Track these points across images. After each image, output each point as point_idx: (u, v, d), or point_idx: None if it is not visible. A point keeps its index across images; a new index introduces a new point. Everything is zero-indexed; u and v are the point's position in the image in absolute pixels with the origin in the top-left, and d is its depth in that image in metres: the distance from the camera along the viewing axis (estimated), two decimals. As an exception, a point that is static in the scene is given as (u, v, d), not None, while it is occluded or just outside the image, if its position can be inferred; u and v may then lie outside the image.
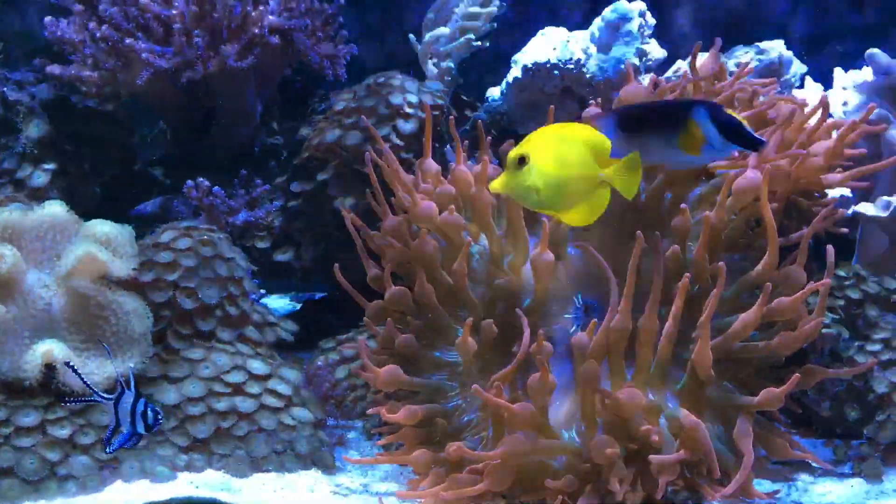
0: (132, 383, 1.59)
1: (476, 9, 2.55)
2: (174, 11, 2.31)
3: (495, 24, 2.59)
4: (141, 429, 1.58)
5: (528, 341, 1.72)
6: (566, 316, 1.94)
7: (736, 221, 1.84)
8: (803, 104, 1.95)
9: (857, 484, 1.81)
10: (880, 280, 2.00)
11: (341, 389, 2.13)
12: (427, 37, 2.52)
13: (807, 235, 1.75)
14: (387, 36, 2.75)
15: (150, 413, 1.57)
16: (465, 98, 2.62)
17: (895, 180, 2.09)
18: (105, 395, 1.60)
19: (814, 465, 1.84)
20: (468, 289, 1.87)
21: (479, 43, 2.60)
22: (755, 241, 1.88)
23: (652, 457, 1.59)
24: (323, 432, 1.97)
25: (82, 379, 1.61)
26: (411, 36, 2.57)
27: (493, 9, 2.57)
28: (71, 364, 1.64)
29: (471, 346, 1.77)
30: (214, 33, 2.32)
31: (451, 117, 2.04)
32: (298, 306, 2.87)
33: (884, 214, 2.05)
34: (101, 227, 1.92)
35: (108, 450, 1.60)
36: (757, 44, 2.32)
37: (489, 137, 2.05)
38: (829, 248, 1.70)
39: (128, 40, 2.30)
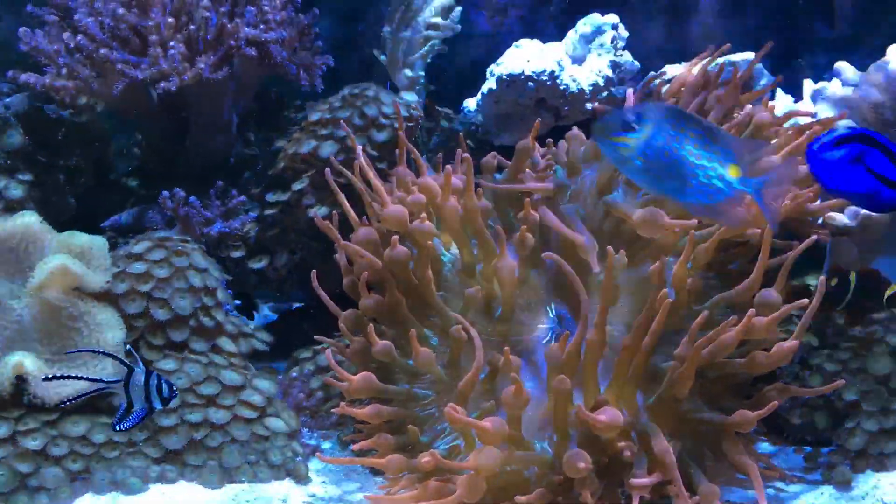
0: (139, 361, 1.60)
1: (438, 20, 2.56)
2: (150, 22, 2.31)
3: (459, 27, 2.61)
4: (158, 404, 1.59)
5: (481, 353, 1.72)
6: (540, 325, 1.96)
7: (712, 243, 1.85)
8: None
9: (826, 491, 1.83)
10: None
11: (316, 399, 2.13)
12: (390, 47, 2.53)
13: (788, 262, 1.77)
14: (364, 47, 2.76)
15: (164, 386, 1.58)
16: (439, 109, 2.63)
17: (863, 191, 2.11)
18: (111, 380, 1.61)
19: (786, 472, 1.86)
20: (437, 296, 1.88)
21: (445, 48, 2.61)
22: (729, 261, 1.90)
23: (631, 481, 1.61)
24: (297, 442, 1.97)
25: (83, 377, 1.61)
26: (375, 51, 2.58)
27: (453, 24, 2.59)
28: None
29: (425, 357, 1.78)
30: (190, 45, 2.33)
31: (401, 133, 2.05)
32: (275, 316, 2.87)
33: (852, 224, 2.07)
34: (75, 238, 1.93)
35: (119, 426, 1.60)
36: (728, 56, 2.34)
37: (465, 150, 2.06)
38: (821, 279, 1.72)
39: (103, 50, 2.30)
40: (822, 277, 1.73)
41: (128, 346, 1.66)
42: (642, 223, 1.82)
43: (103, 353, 1.68)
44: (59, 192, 2.48)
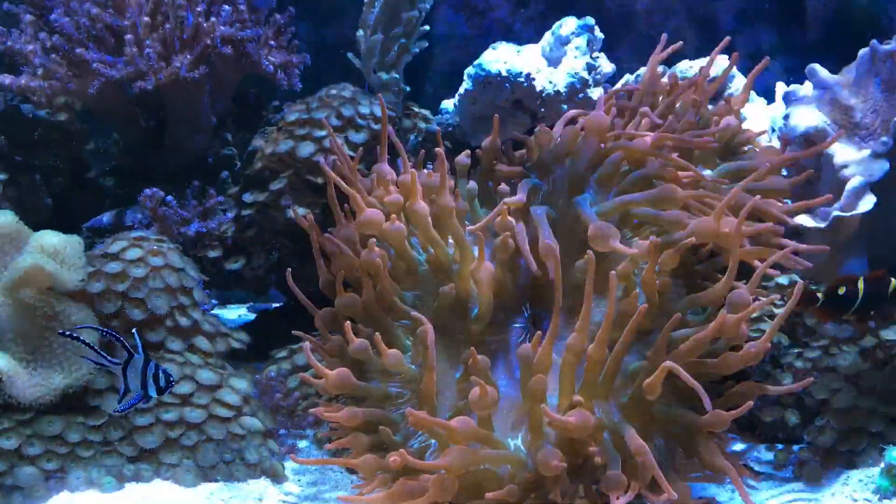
0: (140, 347, 1.60)
1: (405, 15, 2.56)
2: (126, 22, 2.31)
3: (427, 27, 2.61)
4: (153, 392, 1.60)
5: (433, 344, 1.72)
6: (514, 325, 1.97)
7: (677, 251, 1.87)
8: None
9: (797, 487, 1.86)
10: (818, 289, 2.05)
11: (293, 399, 2.13)
12: (363, 49, 2.53)
13: (762, 269, 1.79)
14: (342, 48, 2.77)
15: (161, 375, 1.60)
16: (416, 110, 2.64)
17: (834, 192, 2.14)
18: (113, 360, 1.62)
19: (756, 468, 1.89)
20: (399, 303, 1.89)
21: (416, 49, 2.61)
22: (696, 261, 1.92)
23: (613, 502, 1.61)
24: (273, 441, 1.97)
25: (90, 345, 1.63)
26: (350, 54, 2.58)
27: (414, 13, 2.57)
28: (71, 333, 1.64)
29: (394, 358, 1.78)
30: (167, 44, 2.33)
31: (390, 128, 2.05)
32: (253, 316, 2.88)
33: (823, 225, 2.10)
34: (50, 238, 1.92)
35: (114, 411, 1.64)
36: (701, 59, 2.37)
37: (441, 148, 2.07)
38: (799, 284, 1.74)
39: (78, 50, 2.29)
40: (800, 282, 1.75)
41: (133, 330, 1.67)
42: (593, 238, 1.83)
43: (108, 334, 1.68)
44: (36, 191, 2.48)
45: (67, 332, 1.64)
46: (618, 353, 1.72)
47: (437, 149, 1.93)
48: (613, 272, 1.71)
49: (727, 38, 2.14)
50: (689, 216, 1.85)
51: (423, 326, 1.76)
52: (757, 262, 1.82)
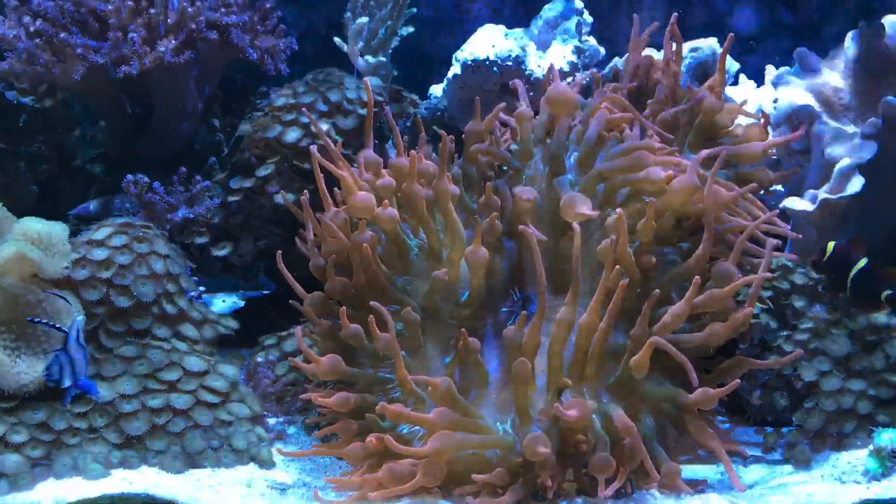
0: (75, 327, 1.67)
1: None
2: (110, 6, 2.29)
3: (414, 9, 2.58)
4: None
5: (392, 331, 1.73)
6: (504, 308, 1.97)
7: (666, 217, 1.87)
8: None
9: (786, 470, 1.85)
10: (807, 271, 2.05)
11: (281, 385, 2.12)
12: (351, 32, 2.51)
13: (744, 237, 1.78)
14: (330, 33, 2.75)
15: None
16: (405, 94, 2.63)
17: (823, 174, 2.13)
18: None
19: (746, 451, 1.89)
20: (391, 289, 1.89)
21: (404, 32, 2.59)
22: (684, 235, 1.92)
23: (600, 491, 1.62)
24: (261, 427, 1.96)
25: (55, 326, 1.68)
26: (337, 39, 2.56)
27: None
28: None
29: (386, 341, 1.77)
30: (151, 29, 2.31)
31: (387, 108, 2.04)
32: (242, 303, 2.87)
33: (811, 208, 2.09)
34: (34, 224, 1.90)
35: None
36: (690, 42, 2.36)
37: (423, 133, 2.07)
38: (770, 242, 1.73)
39: (62, 35, 2.27)
40: (770, 241, 1.75)
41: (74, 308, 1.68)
42: (563, 209, 1.85)
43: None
44: (21, 179, 2.46)
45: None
46: (603, 331, 1.71)
47: (440, 131, 1.93)
48: (607, 240, 1.71)
49: (674, 15, 2.12)
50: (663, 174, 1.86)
51: (407, 309, 1.76)
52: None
